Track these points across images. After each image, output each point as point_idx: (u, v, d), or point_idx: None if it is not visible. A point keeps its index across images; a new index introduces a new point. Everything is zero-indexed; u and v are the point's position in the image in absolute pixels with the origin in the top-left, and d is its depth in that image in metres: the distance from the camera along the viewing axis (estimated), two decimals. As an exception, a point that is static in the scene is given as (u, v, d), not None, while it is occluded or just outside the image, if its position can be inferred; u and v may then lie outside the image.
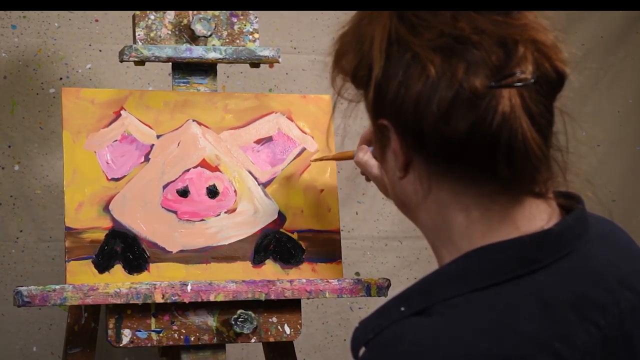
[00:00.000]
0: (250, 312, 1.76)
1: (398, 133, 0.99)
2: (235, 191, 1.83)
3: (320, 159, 1.86)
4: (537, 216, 1.01)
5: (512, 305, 0.95)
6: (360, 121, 2.62)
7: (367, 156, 1.65)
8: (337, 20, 2.77)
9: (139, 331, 1.74)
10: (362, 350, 0.98)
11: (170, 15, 1.86)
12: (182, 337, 1.76)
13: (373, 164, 1.64)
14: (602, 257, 1.01)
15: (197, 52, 1.84)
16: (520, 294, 0.95)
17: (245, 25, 1.90)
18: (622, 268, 1.02)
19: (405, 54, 0.96)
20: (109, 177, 1.77)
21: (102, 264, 1.74)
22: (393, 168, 1.02)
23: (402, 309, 0.97)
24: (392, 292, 2.49)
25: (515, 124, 0.94)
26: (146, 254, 1.76)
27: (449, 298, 0.96)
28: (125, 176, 1.78)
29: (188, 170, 1.82)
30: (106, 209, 1.76)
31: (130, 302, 1.70)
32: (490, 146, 0.95)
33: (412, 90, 0.95)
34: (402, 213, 1.09)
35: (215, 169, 1.83)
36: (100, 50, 2.27)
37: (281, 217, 1.84)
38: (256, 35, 1.90)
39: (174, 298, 1.72)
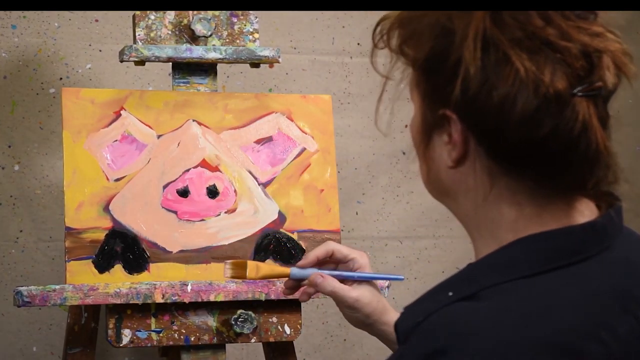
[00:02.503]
0: (250, 312, 1.76)
1: (466, 127, 1.00)
2: (235, 191, 1.83)
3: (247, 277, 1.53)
4: (585, 212, 1.04)
5: (559, 293, 0.97)
6: (361, 120, 2.63)
7: (336, 282, 1.47)
8: (337, 21, 2.78)
9: (139, 331, 1.74)
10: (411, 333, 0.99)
11: (170, 15, 1.86)
12: (182, 337, 1.76)
13: (347, 287, 1.48)
14: (636, 254, 1.05)
15: (197, 52, 1.85)
16: (567, 282, 0.98)
17: (245, 25, 1.90)
18: None
19: (495, 52, 0.98)
20: (109, 177, 1.78)
21: (102, 264, 1.74)
22: (444, 157, 1.03)
23: (450, 293, 0.99)
24: (392, 292, 2.50)
25: (592, 132, 0.98)
26: (146, 254, 1.77)
27: (496, 284, 0.98)
28: (125, 176, 1.79)
29: (188, 170, 1.82)
30: (106, 209, 1.76)
31: (130, 302, 1.70)
32: (566, 152, 0.98)
33: (499, 89, 0.97)
34: (436, 198, 1.10)
35: (215, 169, 1.83)
36: (100, 50, 2.27)
37: (281, 217, 1.84)
38: (256, 35, 1.90)
39: (174, 298, 1.72)
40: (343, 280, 1.47)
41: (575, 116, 0.97)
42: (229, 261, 1.52)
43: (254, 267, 1.50)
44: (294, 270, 1.48)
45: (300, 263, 1.48)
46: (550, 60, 0.97)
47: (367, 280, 1.47)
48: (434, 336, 0.94)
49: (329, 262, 1.49)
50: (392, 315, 1.48)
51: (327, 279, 1.46)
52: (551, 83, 0.96)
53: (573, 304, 0.96)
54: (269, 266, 1.56)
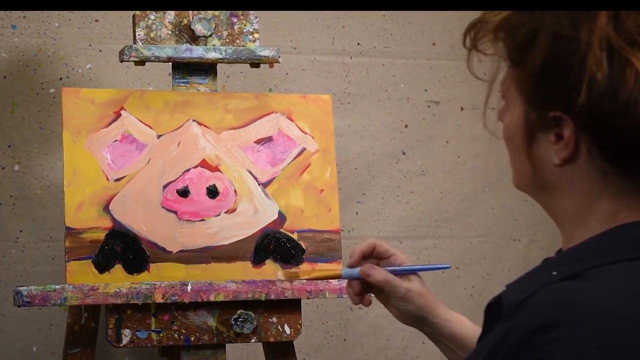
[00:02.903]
0: (250, 312, 1.76)
1: (579, 128, 1.06)
2: (235, 191, 1.83)
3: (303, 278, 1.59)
4: None
5: None
6: (361, 120, 2.62)
7: (388, 274, 1.48)
8: (337, 21, 2.78)
9: (139, 331, 1.74)
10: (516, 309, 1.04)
11: (170, 15, 1.86)
12: (182, 337, 1.76)
13: (398, 279, 1.49)
14: None
15: (197, 52, 1.85)
16: None
17: (245, 25, 1.90)
18: None
19: (618, 57, 1.03)
20: (109, 177, 1.78)
21: (102, 264, 1.74)
22: (549, 155, 1.09)
23: (554, 273, 1.05)
24: (392, 292, 2.49)
25: None
26: (146, 254, 1.77)
27: (599, 265, 1.04)
28: (125, 176, 1.79)
29: (188, 170, 1.82)
30: (106, 209, 1.76)
31: (130, 302, 1.70)
32: None
33: (622, 93, 1.02)
34: (528, 193, 1.16)
35: (215, 169, 1.83)
36: (100, 50, 2.27)
37: (281, 217, 1.84)
38: (256, 35, 1.90)
39: (174, 298, 1.72)
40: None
41: None
42: (280, 272, 1.57)
43: (306, 272, 1.58)
44: (344, 271, 1.49)
45: (348, 262, 1.50)
46: None
47: (415, 274, 1.49)
48: (545, 311, 0.99)
49: (371, 258, 1.51)
50: (442, 309, 1.49)
51: (379, 269, 1.47)
52: None
53: None
54: (320, 270, 1.62)
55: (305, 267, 1.58)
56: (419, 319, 1.48)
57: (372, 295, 1.51)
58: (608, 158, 1.06)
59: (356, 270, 1.48)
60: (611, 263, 1.04)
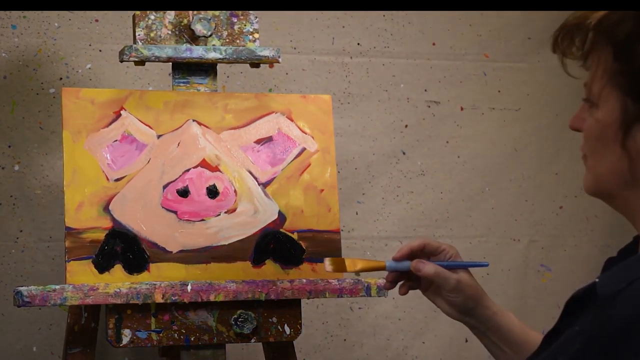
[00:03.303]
0: (250, 312, 1.76)
1: None
2: (235, 191, 1.83)
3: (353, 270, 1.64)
4: None
5: None
6: (361, 120, 2.61)
7: (439, 267, 1.54)
8: (337, 21, 2.77)
9: (139, 331, 1.74)
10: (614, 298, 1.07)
11: (170, 15, 1.86)
12: (182, 337, 1.76)
13: (449, 272, 1.55)
14: None
15: (197, 52, 1.85)
16: None
17: (245, 25, 1.90)
18: None
19: None
20: (109, 177, 1.78)
21: (102, 264, 1.74)
22: None
23: None
24: (392, 292, 2.50)
25: None
26: (146, 254, 1.77)
27: None
28: (125, 176, 1.79)
29: (188, 170, 1.82)
30: (106, 209, 1.76)
31: (130, 302, 1.70)
32: None
33: None
34: (610, 194, 1.20)
35: (215, 169, 1.83)
36: (100, 50, 2.27)
37: (281, 217, 1.84)
38: (256, 35, 1.90)
39: (174, 298, 1.72)
40: None
41: None
42: (327, 258, 1.61)
43: (351, 262, 1.60)
44: (389, 263, 1.55)
45: (395, 256, 1.56)
46: None
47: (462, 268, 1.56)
48: None
49: (421, 255, 1.56)
50: (491, 302, 1.55)
51: (429, 263, 1.53)
52: None
53: None
54: (366, 261, 1.62)
55: (348, 259, 1.60)
56: (468, 310, 1.54)
57: (419, 290, 1.57)
58: None
59: (402, 264, 1.55)
60: None
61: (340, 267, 1.60)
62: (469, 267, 1.56)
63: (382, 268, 1.56)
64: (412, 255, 1.55)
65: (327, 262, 1.60)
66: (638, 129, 1.14)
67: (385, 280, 1.57)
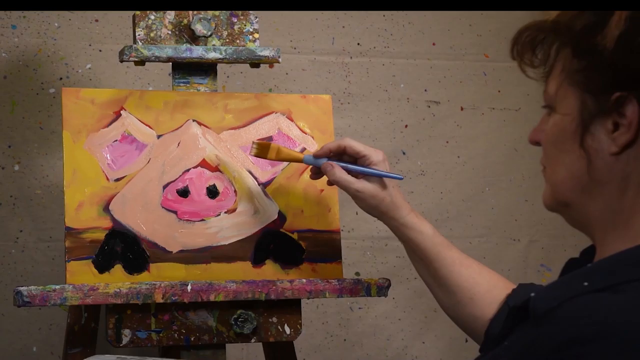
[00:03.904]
0: (250, 312, 1.76)
1: None
2: (235, 191, 1.83)
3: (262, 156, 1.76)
4: None
5: None
6: (361, 120, 2.61)
7: (344, 174, 1.66)
8: (337, 21, 2.76)
9: (139, 331, 1.74)
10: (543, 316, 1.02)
11: (170, 15, 1.86)
12: (182, 337, 1.76)
13: (352, 179, 1.65)
14: None
15: (197, 52, 1.85)
16: None
17: (245, 25, 1.90)
18: None
19: None
20: (109, 177, 1.77)
21: (102, 264, 1.74)
22: (607, 144, 1.08)
23: (585, 283, 1.02)
24: (392, 292, 2.50)
25: None
26: (146, 254, 1.77)
27: (634, 280, 1.01)
28: (125, 176, 1.79)
29: (188, 170, 1.82)
30: (106, 209, 1.76)
31: (130, 302, 1.70)
32: None
33: None
34: (568, 202, 1.15)
35: (215, 169, 1.83)
36: (100, 50, 2.27)
37: (281, 217, 1.84)
38: (256, 35, 1.90)
39: (174, 298, 1.72)
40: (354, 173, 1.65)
41: None
42: (255, 140, 1.75)
43: (275, 149, 1.72)
44: (306, 157, 1.69)
45: (314, 152, 1.67)
46: None
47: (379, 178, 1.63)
48: (576, 324, 0.96)
49: (345, 155, 1.64)
50: (404, 212, 1.63)
51: (335, 169, 1.62)
52: None
53: None
54: (288, 151, 1.74)
55: (274, 145, 1.73)
56: (376, 215, 1.66)
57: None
58: None
59: (319, 162, 1.68)
60: None
61: (262, 153, 1.73)
62: (382, 177, 1.62)
63: (300, 160, 1.70)
64: (335, 154, 1.65)
65: (254, 145, 1.73)
66: (597, 127, 1.09)
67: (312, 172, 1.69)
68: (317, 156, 1.68)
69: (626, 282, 1.01)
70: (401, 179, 1.66)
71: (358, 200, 1.65)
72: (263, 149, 1.74)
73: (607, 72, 1.07)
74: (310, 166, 1.75)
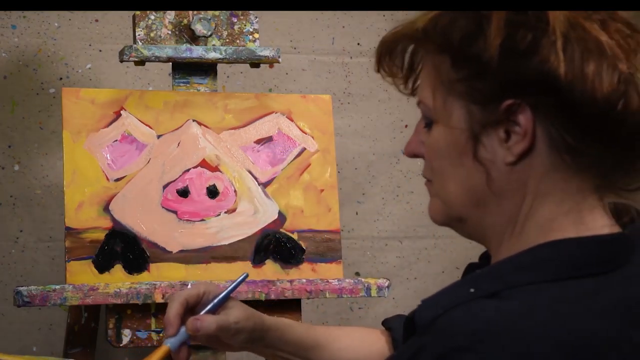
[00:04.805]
0: (250, 312, 1.76)
1: (538, 113, 1.00)
2: (235, 191, 1.83)
3: None
4: (606, 217, 1.05)
5: (585, 300, 0.97)
6: (361, 120, 2.61)
7: (213, 319, 1.33)
8: (337, 21, 2.77)
9: (139, 331, 1.74)
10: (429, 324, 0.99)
11: (170, 15, 1.86)
12: (182, 337, 1.75)
13: (223, 317, 1.34)
14: None
15: (197, 52, 1.85)
16: (594, 289, 0.98)
17: (245, 25, 1.90)
18: None
19: (579, 33, 0.99)
20: (109, 177, 1.77)
21: (102, 264, 1.74)
22: (501, 154, 1.03)
23: (472, 290, 0.99)
24: (393, 292, 2.50)
25: None
26: (146, 254, 1.76)
27: (521, 285, 0.98)
28: (125, 176, 1.78)
29: (188, 170, 1.82)
30: (106, 209, 1.76)
31: (130, 302, 1.70)
32: (635, 132, 1.00)
33: (586, 68, 0.98)
34: (460, 209, 1.09)
35: (215, 169, 1.83)
36: (100, 50, 2.27)
37: (281, 217, 1.84)
38: (256, 35, 1.90)
39: (174, 298, 1.72)
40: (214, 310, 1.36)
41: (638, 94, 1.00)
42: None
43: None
44: (169, 342, 1.32)
45: (169, 333, 1.32)
46: (623, 41, 1.01)
47: (228, 299, 1.37)
48: (455, 332, 0.94)
49: (188, 310, 1.34)
50: (268, 319, 1.39)
51: (205, 319, 1.32)
52: (625, 61, 0.99)
53: (598, 311, 0.96)
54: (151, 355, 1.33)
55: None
56: (256, 341, 1.37)
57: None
58: (565, 145, 1.00)
59: (182, 334, 1.32)
60: (535, 283, 0.98)
61: None
62: (235, 290, 1.37)
63: (168, 352, 1.32)
64: (185, 317, 1.32)
65: None
66: (488, 138, 1.02)
67: None
68: (173, 334, 1.32)
69: (510, 287, 0.97)
70: (247, 275, 1.42)
71: (240, 334, 1.35)
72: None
73: (492, 80, 1.01)
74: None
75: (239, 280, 1.39)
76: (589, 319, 0.95)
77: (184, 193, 1.81)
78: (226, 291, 1.36)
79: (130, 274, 1.75)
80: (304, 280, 1.78)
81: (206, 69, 1.88)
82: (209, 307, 1.34)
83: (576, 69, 0.98)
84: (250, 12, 1.91)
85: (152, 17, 1.85)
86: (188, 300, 1.33)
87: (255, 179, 1.84)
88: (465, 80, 1.03)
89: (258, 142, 1.86)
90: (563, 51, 0.98)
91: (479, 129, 1.03)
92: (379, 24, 2.47)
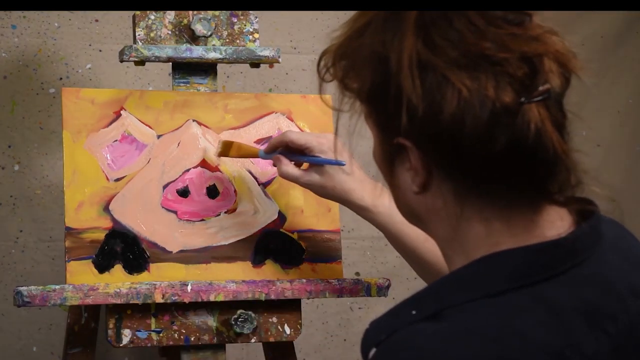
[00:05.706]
0: (250, 312, 1.76)
1: (422, 152, 1.00)
2: (235, 191, 1.83)
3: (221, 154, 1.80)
4: (556, 223, 1.03)
5: (523, 312, 0.95)
6: (360, 119, 2.61)
7: (290, 168, 1.66)
8: (337, 21, 2.77)
9: (139, 331, 1.74)
10: (373, 351, 0.98)
11: (170, 15, 1.86)
12: (182, 337, 1.76)
13: (299, 173, 1.66)
14: (614, 265, 1.03)
15: (197, 52, 1.85)
16: (532, 301, 0.96)
17: (245, 25, 1.90)
18: (632, 276, 1.03)
19: (434, 76, 0.97)
20: (109, 177, 1.77)
21: (102, 264, 1.74)
22: (408, 184, 1.03)
23: (414, 312, 0.98)
24: (393, 292, 2.50)
25: (547, 137, 0.97)
26: (146, 254, 1.76)
27: (459, 303, 0.97)
28: (125, 176, 1.78)
29: (188, 170, 1.82)
30: (106, 209, 1.76)
31: (130, 302, 1.70)
32: (524, 161, 0.97)
33: (445, 113, 0.96)
34: (411, 223, 1.11)
35: (215, 169, 1.83)
36: (100, 50, 2.27)
37: (281, 217, 1.84)
38: (256, 35, 1.90)
39: (174, 298, 1.72)
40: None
41: (527, 124, 0.96)
42: (220, 139, 1.79)
43: (236, 147, 1.76)
44: (260, 153, 1.73)
45: (264, 149, 1.70)
46: (491, 74, 0.96)
47: (322, 164, 1.63)
48: (395, 357, 0.93)
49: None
50: (357, 195, 1.62)
51: (283, 163, 1.64)
52: (497, 97, 0.96)
53: (536, 324, 0.95)
54: (247, 147, 1.77)
55: (236, 144, 1.77)
56: (338, 203, 1.67)
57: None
58: (456, 179, 1.00)
59: (270, 156, 1.71)
60: (473, 300, 0.97)
61: (225, 152, 1.77)
62: (326, 164, 1.63)
63: (256, 155, 1.74)
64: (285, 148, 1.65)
65: (218, 144, 1.79)
66: (399, 167, 1.04)
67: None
68: (267, 152, 1.71)
69: (452, 306, 0.97)
70: (343, 164, 1.63)
71: (310, 189, 1.67)
72: (226, 147, 1.77)
73: (389, 118, 1.02)
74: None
75: (334, 161, 1.63)
76: (525, 335, 0.93)
77: (184, 193, 1.81)
78: (318, 159, 1.64)
79: (130, 274, 1.75)
80: (304, 280, 1.78)
81: (206, 69, 1.88)
82: (298, 157, 1.66)
83: (436, 115, 0.97)
84: (250, 12, 1.91)
85: (152, 17, 1.85)
86: (291, 144, 1.64)
87: (255, 179, 1.84)
88: (367, 111, 1.07)
89: (258, 142, 1.86)
90: (419, 98, 0.97)
91: (389, 157, 1.05)
92: (379, 24, 2.47)
